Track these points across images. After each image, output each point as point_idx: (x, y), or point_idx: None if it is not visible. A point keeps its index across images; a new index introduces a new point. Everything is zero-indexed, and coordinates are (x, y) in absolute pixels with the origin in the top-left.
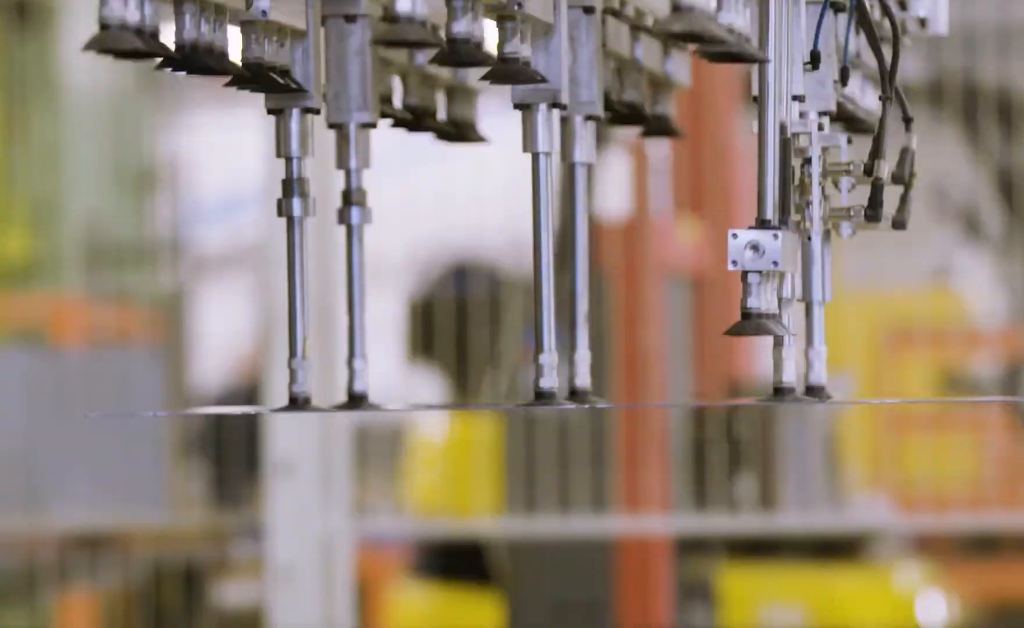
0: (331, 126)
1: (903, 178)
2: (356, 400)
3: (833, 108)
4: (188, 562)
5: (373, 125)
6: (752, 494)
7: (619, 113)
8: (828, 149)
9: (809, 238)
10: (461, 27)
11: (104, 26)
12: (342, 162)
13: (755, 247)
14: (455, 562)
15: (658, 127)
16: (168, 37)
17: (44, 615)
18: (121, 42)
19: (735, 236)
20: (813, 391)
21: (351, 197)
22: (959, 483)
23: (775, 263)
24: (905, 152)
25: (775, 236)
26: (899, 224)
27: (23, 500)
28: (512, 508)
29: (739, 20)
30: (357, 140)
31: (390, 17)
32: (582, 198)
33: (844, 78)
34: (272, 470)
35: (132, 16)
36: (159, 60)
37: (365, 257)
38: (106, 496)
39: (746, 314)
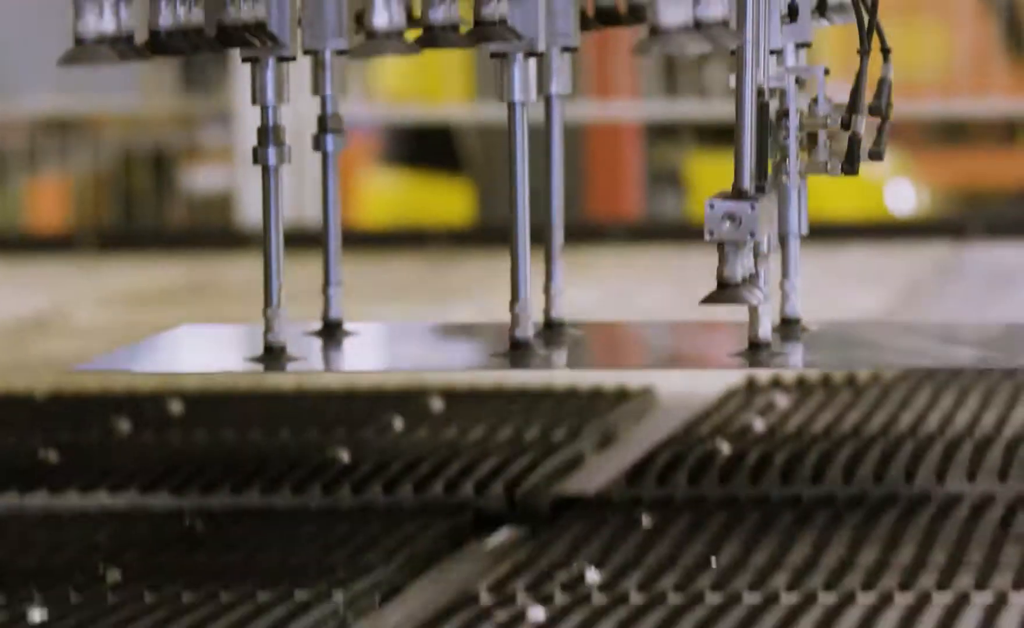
0: (307, 53)
1: (880, 109)
2: (331, 327)
3: (811, 39)
4: (157, 147)
5: (349, 51)
6: (722, 81)
7: (594, 22)
8: (805, 83)
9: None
10: (439, 14)
11: (79, 41)
12: (318, 89)
13: (732, 217)
14: (425, 148)
15: (635, 19)
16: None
17: (15, 199)
18: (96, 57)
19: (712, 206)
20: (788, 323)
21: (326, 124)
22: (929, 71)
23: (752, 234)
24: (882, 83)
25: (752, 207)
26: (876, 155)
27: None
28: (482, 94)
29: (717, 9)
30: (333, 67)
31: (367, 31)
32: (558, 131)
33: (822, 9)
34: (242, 56)
35: (108, 25)
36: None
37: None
38: (76, 81)
39: (722, 283)
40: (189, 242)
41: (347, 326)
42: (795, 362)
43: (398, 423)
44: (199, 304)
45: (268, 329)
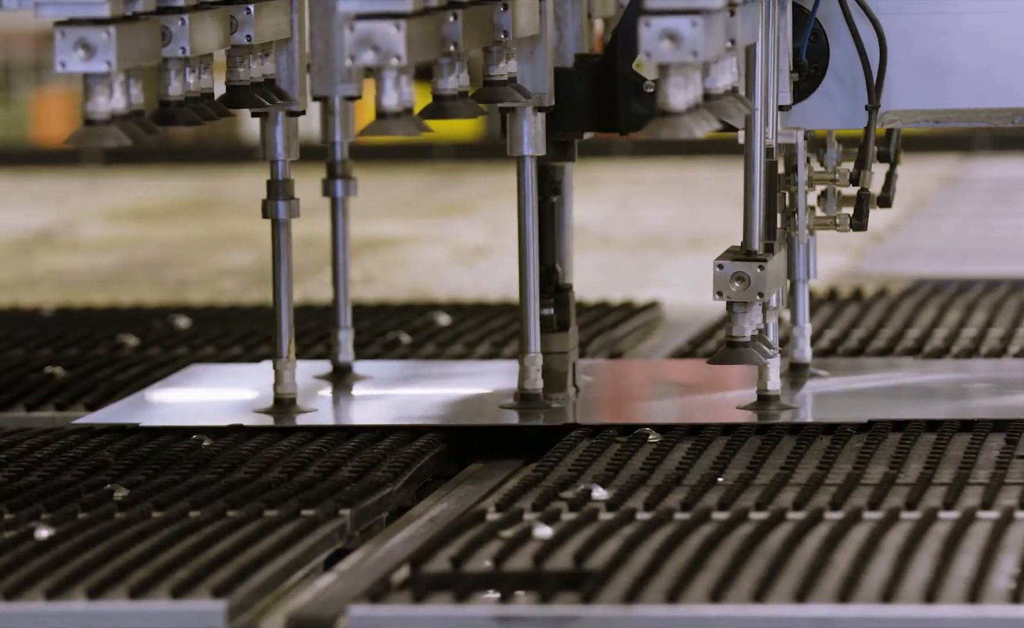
0: (316, 99)
1: (889, 156)
2: (340, 371)
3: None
4: None
5: (358, 97)
6: None
7: None
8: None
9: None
10: (448, 84)
11: (89, 121)
12: (327, 136)
13: (741, 278)
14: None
15: None
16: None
17: (21, 111)
18: (105, 138)
19: (721, 267)
20: (797, 368)
21: (335, 170)
22: None
23: (760, 294)
24: (891, 131)
25: (760, 268)
26: (885, 202)
27: None
28: None
29: (727, 78)
30: (342, 113)
31: (378, 112)
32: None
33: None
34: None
35: (118, 104)
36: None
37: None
38: None
39: (731, 342)
40: (195, 156)
41: (356, 368)
42: (804, 415)
43: (404, 338)
44: (205, 220)
45: (278, 381)
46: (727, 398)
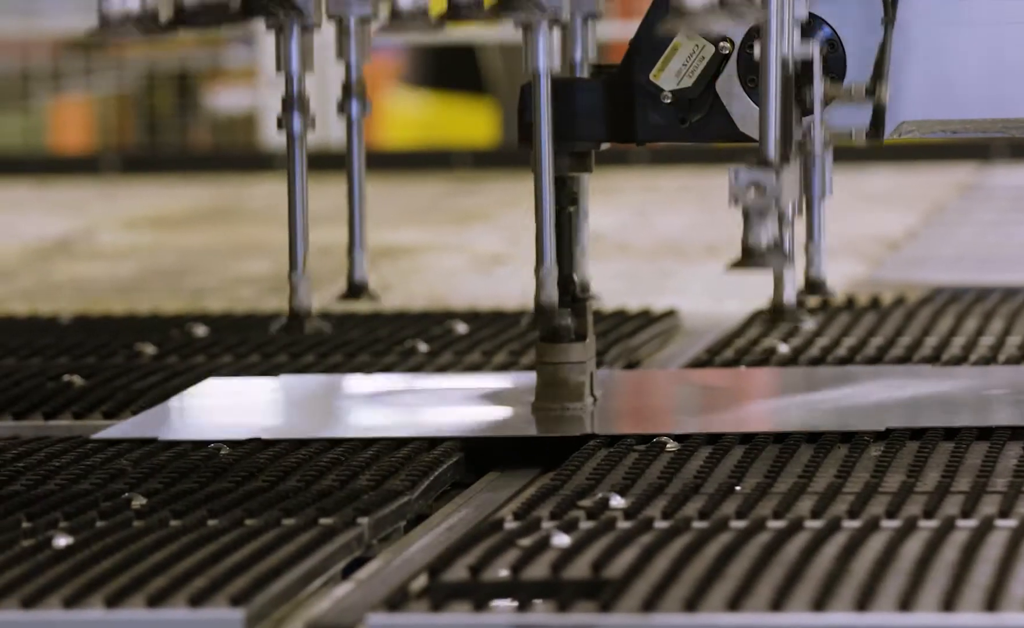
0: (331, 17)
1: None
2: (356, 290)
3: None
4: (182, 67)
5: (374, 18)
6: None
7: None
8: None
9: (811, 150)
10: None
11: (104, 20)
12: (342, 54)
13: (757, 186)
14: (449, 68)
15: None
16: None
17: (39, 119)
18: (121, 35)
19: (736, 175)
20: (813, 286)
21: (351, 89)
22: None
23: (776, 203)
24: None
25: (776, 176)
26: None
27: (17, 4)
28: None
29: None
30: (357, 33)
31: (393, 11)
32: None
33: None
34: (266, 24)
35: (133, 5)
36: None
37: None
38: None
39: (747, 251)
40: (213, 164)
41: (373, 378)
42: (819, 416)
43: (422, 347)
44: (222, 228)
45: (292, 293)
46: (745, 407)
